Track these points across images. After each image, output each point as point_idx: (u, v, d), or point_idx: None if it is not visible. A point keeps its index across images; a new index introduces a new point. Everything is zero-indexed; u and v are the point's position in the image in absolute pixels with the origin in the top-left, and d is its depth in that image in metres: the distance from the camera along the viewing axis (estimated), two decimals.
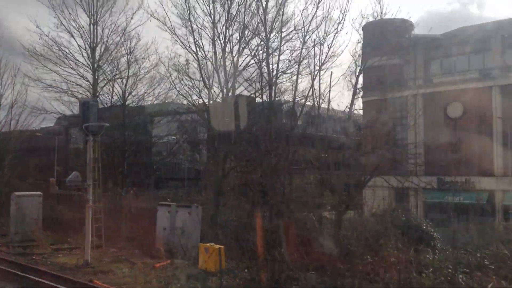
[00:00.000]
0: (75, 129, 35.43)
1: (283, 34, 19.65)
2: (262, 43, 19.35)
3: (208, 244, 14.39)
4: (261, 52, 19.46)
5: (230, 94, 20.04)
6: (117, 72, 26.23)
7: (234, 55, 19.99)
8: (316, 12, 18.91)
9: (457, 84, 38.77)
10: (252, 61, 20.08)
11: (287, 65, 19.61)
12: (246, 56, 20.17)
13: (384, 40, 42.40)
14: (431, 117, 40.07)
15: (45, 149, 39.76)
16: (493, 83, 37.29)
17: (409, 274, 11.82)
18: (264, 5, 19.15)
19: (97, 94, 25.10)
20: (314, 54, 19.30)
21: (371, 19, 19.64)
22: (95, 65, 24.30)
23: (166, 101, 32.28)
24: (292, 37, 19.57)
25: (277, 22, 19.36)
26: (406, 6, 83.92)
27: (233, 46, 19.99)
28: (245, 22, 19.59)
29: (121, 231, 19.97)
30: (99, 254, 17.58)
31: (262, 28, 19.18)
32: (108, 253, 18.01)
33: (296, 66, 19.51)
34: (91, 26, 24.80)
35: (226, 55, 19.90)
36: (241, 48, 20.02)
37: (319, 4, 18.75)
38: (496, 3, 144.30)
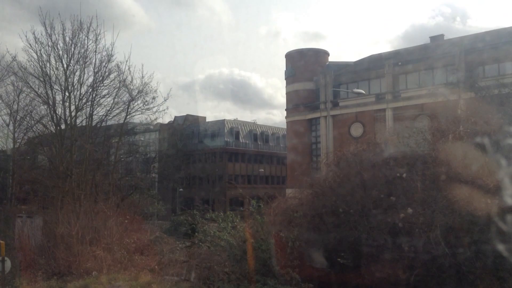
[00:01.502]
0: None
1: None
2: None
3: None
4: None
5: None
6: None
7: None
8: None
9: (359, 106, 43.19)
10: None
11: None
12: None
13: (302, 66, 47.58)
14: (339, 136, 44.58)
15: None
16: (386, 106, 41.54)
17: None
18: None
19: None
20: None
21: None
22: None
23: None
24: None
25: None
26: (391, 20, 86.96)
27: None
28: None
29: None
30: None
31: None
32: None
33: None
34: None
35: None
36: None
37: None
38: (479, 17, 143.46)
